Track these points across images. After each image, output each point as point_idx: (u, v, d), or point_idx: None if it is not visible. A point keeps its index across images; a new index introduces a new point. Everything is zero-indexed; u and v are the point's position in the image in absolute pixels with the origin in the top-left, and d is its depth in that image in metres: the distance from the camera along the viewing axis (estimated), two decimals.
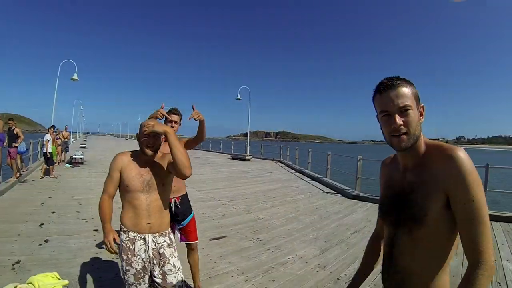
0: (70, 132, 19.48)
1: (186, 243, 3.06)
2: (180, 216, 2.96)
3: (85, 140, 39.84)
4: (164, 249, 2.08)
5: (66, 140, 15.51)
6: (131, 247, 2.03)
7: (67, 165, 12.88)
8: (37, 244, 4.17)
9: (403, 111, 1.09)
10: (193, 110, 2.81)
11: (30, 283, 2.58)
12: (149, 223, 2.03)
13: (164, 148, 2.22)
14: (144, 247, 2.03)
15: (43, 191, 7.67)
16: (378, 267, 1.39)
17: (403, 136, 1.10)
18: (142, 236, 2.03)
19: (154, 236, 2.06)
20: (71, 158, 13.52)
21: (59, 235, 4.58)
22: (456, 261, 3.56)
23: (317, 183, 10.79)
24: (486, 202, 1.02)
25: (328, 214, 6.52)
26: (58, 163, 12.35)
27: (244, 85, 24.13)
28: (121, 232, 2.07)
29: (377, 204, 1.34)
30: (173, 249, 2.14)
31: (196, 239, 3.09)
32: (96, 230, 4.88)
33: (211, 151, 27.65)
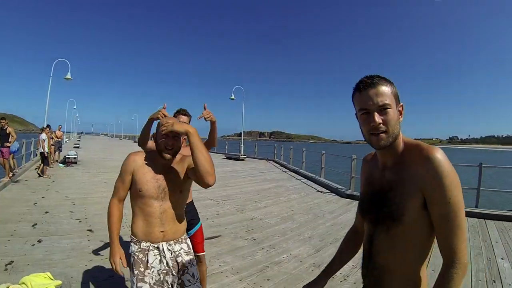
0: (63, 132, 19.36)
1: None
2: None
3: (79, 140, 39.55)
4: (182, 257, 1.89)
5: (59, 140, 15.40)
6: (143, 259, 1.81)
7: (61, 165, 12.78)
8: (30, 244, 4.14)
9: (382, 109, 1.09)
10: (204, 109, 2.56)
11: (23, 283, 2.56)
12: (162, 231, 1.83)
13: (184, 150, 2.05)
14: (159, 257, 1.82)
15: (36, 191, 7.61)
16: (357, 261, 1.39)
17: (382, 134, 1.10)
18: (156, 246, 1.83)
19: (169, 244, 1.86)
20: (65, 158, 13.43)
21: (52, 235, 4.55)
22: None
23: (312, 182, 10.82)
24: (463, 204, 1.04)
25: (322, 213, 6.54)
26: (52, 163, 12.26)
27: (238, 85, 24.10)
28: (132, 244, 1.87)
29: None
30: (191, 257, 1.95)
31: (203, 251, 2.88)
32: (89, 230, 4.86)
33: None
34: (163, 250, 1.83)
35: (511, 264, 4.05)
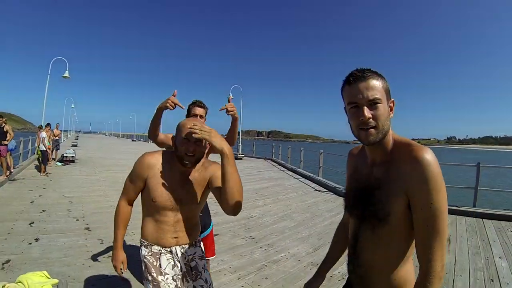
0: (61, 130, 19.30)
1: None
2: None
3: (77, 139, 39.46)
4: (196, 261, 1.78)
5: (57, 138, 15.35)
6: (155, 264, 1.67)
7: (58, 163, 12.73)
8: (27, 243, 4.12)
9: (373, 104, 1.05)
10: (228, 102, 2.30)
11: (20, 282, 2.55)
12: (176, 238, 1.71)
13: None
14: (172, 262, 1.70)
15: (34, 190, 7.57)
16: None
17: (371, 130, 1.06)
18: (169, 249, 1.71)
19: (183, 247, 1.74)
20: (62, 156, 13.39)
21: (49, 233, 4.53)
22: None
23: (309, 181, 10.81)
24: (445, 211, 1.00)
25: (320, 212, 6.54)
26: (49, 161, 12.22)
27: (236, 84, 24.06)
28: (142, 248, 1.74)
29: None
30: (205, 261, 1.84)
31: (214, 255, 2.79)
32: (87, 229, 4.85)
33: None
34: (177, 254, 1.71)
35: (509, 263, 4.05)
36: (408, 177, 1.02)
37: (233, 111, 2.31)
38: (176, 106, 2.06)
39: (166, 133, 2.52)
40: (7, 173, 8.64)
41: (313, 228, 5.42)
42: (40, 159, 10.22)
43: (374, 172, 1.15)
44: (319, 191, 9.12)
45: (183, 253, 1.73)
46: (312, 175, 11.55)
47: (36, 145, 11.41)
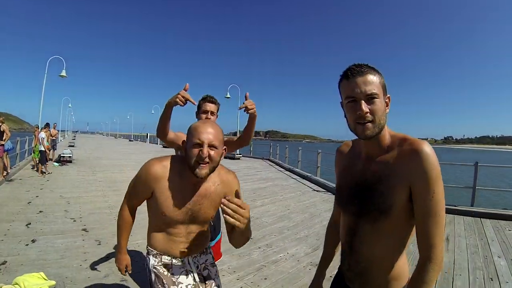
0: (58, 130, 19.22)
1: None
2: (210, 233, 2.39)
3: (74, 139, 39.37)
4: (208, 269, 1.68)
5: (54, 138, 15.29)
6: (167, 274, 1.54)
7: (55, 163, 12.68)
8: (24, 244, 4.08)
9: (370, 98, 1.07)
10: (246, 99, 2.09)
11: (16, 284, 2.52)
12: (188, 248, 1.58)
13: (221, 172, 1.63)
14: (185, 272, 1.58)
15: (31, 190, 7.53)
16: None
17: (368, 124, 1.08)
18: (180, 259, 1.58)
19: (195, 257, 1.64)
20: (60, 156, 13.34)
21: (46, 234, 4.49)
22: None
23: (307, 181, 10.80)
24: (444, 201, 1.06)
25: (318, 212, 6.52)
26: (47, 161, 12.17)
27: (233, 84, 24.01)
28: (150, 257, 1.58)
29: None
30: (216, 268, 1.75)
31: (220, 256, 2.76)
32: (84, 230, 4.81)
33: None
34: (189, 264, 1.60)
35: (507, 262, 4.06)
36: (410, 169, 1.06)
37: (253, 108, 2.12)
38: (187, 102, 1.85)
39: (177, 131, 2.36)
40: (4, 174, 8.58)
41: (311, 228, 5.42)
42: (38, 159, 10.20)
43: (371, 167, 1.17)
44: (317, 191, 9.10)
45: (195, 262, 1.63)
46: (310, 175, 11.54)
47: (33, 145, 11.37)
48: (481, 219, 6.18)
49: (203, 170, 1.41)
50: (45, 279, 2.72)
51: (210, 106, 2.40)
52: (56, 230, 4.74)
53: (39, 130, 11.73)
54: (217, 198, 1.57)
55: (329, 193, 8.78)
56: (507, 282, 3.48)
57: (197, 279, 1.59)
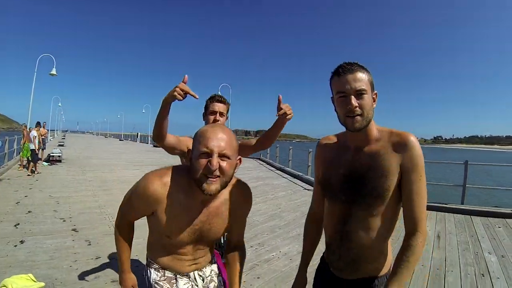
0: (48, 130, 19.01)
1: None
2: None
3: (64, 138, 38.92)
4: (214, 281, 1.53)
5: (43, 137, 15.10)
6: None
7: (45, 163, 12.51)
8: (12, 245, 4.01)
9: (359, 94, 1.17)
10: (280, 102, 1.76)
11: (4, 286, 2.48)
12: (194, 264, 1.44)
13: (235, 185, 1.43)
14: (190, 285, 1.43)
15: (19, 190, 7.41)
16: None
17: (357, 117, 1.17)
18: (186, 274, 1.43)
19: (201, 270, 1.49)
20: (49, 156, 13.17)
21: (35, 235, 4.42)
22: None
23: (298, 180, 10.82)
24: (425, 181, 1.22)
25: None
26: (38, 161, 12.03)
27: (224, 83, 23.91)
28: (151, 270, 1.42)
29: None
30: (221, 278, 1.61)
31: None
32: (74, 230, 4.74)
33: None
34: (195, 279, 1.45)
35: (498, 258, 4.12)
36: (402, 157, 1.19)
37: (291, 114, 1.83)
38: (187, 95, 1.55)
39: (182, 135, 2.10)
40: None
41: (303, 227, 5.34)
42: (27, 158, 10.11)
43: (361, 157, 1.26)
44: (308, 190, 9.09)
45: (200, 276, 1.47)
46: (301, 174, 11.55)
47: (21, 144, 11.23)
48: (471, 216, 6.24)
49: (212, 186, 1.18)
50: (34, 281, 2.68)
51: (219, 106, 2.14)
52: (45, 230, 4.66)
53: (27, 129, 11.60)
54: (227, 214, 1.38)
55: None
56: (498, 278, 3.53)
57: None
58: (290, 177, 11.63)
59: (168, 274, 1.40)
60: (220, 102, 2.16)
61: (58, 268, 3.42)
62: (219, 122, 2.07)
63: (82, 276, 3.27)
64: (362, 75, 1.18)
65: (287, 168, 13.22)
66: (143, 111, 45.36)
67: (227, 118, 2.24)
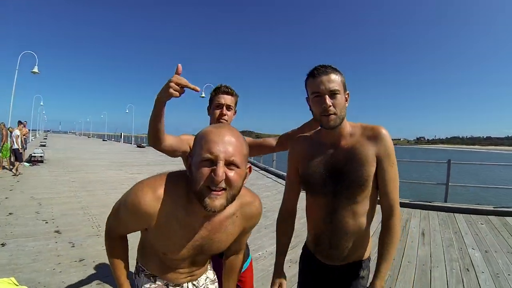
0: (29, 129, 18.58)
1: None
2: None
3: (45, 138, 38.15)
4: None
5: (24, 137, 14.76)
6: None
7: (26, 164, 12.22)
8: None
9: (333, 94, 1.26)
10: None
11: None
12: (191, 276, 1.31)
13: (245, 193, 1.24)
14: None
15: None
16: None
17: (332, 115, 1.27)
18: (178, 284, 1.30)
19: (196, 281, 1.36)
20: (30, 156, 12.87)
21: (17, 237, 4.30)
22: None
23: (282, 180, 10.78)
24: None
25: None
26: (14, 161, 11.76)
27: (208, 83, 23.75)
28: (141, 276, 1.29)
29: None
30: (217, 284, 1.47)
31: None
32: (57, 231, 4.63)
33: None
34: None
35: (482, 253, 4.23)
36: (377, 148, 1.32)
37: None
38: (185, 89, 1.26)
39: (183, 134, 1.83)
40: None
41: None
42: (12, 158, 9.93)
43: (339, 151, 1.36)
44: None
45: (194, 285, 1.34)
46: (285, 174, 11.50)
47: (1, 143, 10.95)
48: (454, 214, 6.38)
49: (216, 201, 0.98)
50: (17, 285, 2.59)
51: (225, 98, 1.86)
52: (27, 232, 4.54)
53: (6, 128, 11.34)
54: (235, 230, 1.22)
55: (304, 191, 8.81)
56: (482, 272, 3.62)
57: None
58: (274, 177, 11.64)
59: (159, 282, 1.27)
60: (227, 93, 1.88)
61: (41, 271, 3.33)
62: (226, 117, 1.85)
63: (66, 279, 3.19)
64: (335, 77, 1.28)
65: (271, 168, 13.23)
66: (127, 111, 44.83)
67: (235, 112, 1.97)
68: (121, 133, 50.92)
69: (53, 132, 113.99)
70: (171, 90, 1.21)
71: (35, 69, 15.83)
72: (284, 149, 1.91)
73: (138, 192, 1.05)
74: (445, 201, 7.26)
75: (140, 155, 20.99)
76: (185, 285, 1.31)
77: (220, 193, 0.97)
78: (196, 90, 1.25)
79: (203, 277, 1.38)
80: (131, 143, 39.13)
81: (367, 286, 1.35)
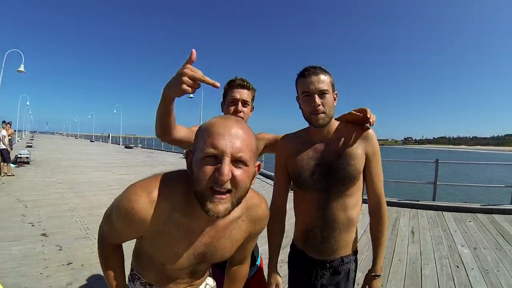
0: (15, 130, 18.25)
1: None
2: None
3: (32, 139, 37.56)
4: None
5: (10, 138, 14.48)
6: None
7: (12, 165, 11.98)
8: None
9: (322, 93, 1.33)
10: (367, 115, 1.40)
11: None
12: (190, 286, 1.19)
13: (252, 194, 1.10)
14: None
15: None
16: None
17: (321, 114, 1.33)
18: None
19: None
20: (16, 157, 12.63)
21: (2, 241, 4.19)
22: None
23: (271, 180, 10.79)
24: None
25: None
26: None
27: None
28: (136, 284, 1.18)
29: None
30: None
31: None
32: (44, 234, 4.53)
33: (163, 150, 27.99)
34: None
35: (471, 250, 4.30)
36: (366, 144, 1.41)
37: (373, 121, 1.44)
38: (201, 84, 1.01)
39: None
40: None
41: None
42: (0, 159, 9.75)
43: (329, 149, 1.42)
44: None
45: None
46: (273, 174, 11.48)
47: None
48: (443, 212, 6.48)
49: (220, 206, 0.85)
50: None
51: (241, 93, 1.67)
52: (13, 236, 4.43)
53: None
54: (241, 236, 1.09)
55: (293, 189, 8.82)
56: (472, 269, 3.68)
57: None
58: (262, 177, 11.59)
59: None
60: (243, 87, 1.68)
61: (28, 275, 3.25)
62: (241, 113, 1.66)
63: (53, 283, 3.12)
64: (324, 77, 1.34)
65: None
66: (115, 112, 44.44)
67: (252, 108, 1.78)
68: (109, 134, 50.56)
69: (39, 132, 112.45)
70: (184, 86, 0.97)
71: (21, 68, 15.57)
72: None
73: (131, 195, 0.93)
74: (433, 200, 7.35)
75: (128, 156, 20.81)
76: None
77: (224, 196, 0.85)
78: (216, 86, 0.99)
79: (203, 285, 1.26)
80: (119, 144, 38.79)
81: (369, 270, 1.49)
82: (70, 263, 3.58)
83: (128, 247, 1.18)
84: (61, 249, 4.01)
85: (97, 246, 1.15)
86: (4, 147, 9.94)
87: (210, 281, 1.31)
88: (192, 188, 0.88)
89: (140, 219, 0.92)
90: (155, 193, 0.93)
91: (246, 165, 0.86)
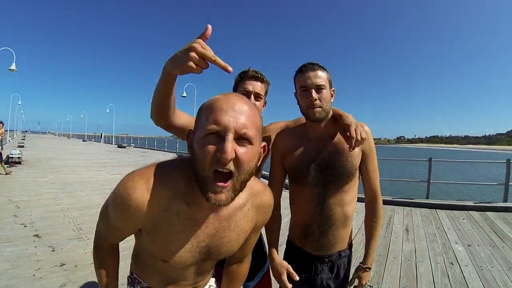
0: (6, 130, 18.04)
1: None
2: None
3: (24, 139, 37.20)
4: None
5: (1, 137, 14.30)
6: None
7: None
8: None
9: (319, 88, 1.36)
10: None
11: None
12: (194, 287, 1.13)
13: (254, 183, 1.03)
14: None
15: None
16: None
17: (318, 109, 1.36)
18: None
19: None
20: (7, 157, 12.48)
21: None
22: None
23: (265, 180, 10.74)
24: None
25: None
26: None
27: (189, 83, 23.65)
28: (137, 287, 1.12)
29: None
30: None
31: None
32: (36, 235, 4.48)
33: (156, 150, 28.05)
34: None
35: (465, 247, 4.34)
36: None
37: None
38: (209, 64, 0.85)
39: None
40: None
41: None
42: None
43: (325, 144, 1.43)
44: None
45: None
46: (267, 173, 11.47)
47: None
48: (436, 210, 6.55)
49: (222, 195, 0.80)
50: None
51: (254, 85, 1.55)
52: (5, 237, 4.37)
53: None
54: (247, 226, 1.02)
55: (287, 190, 8.81)
56: (466, 266, 3.72)
57: None
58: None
59: None
60: (256, 79, 1.57)
61: (21, 277, 3.21)
62: (256, 106, 1.54)
63: (47, 285, 3.08)
64: (321, 73, 1.37)
65: None
66: (107, 111, 44.13)
67: (265, 103, 1.67)
68: (101, 133, 50.30)
69: (31, 132, 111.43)
70: (191, 63, 0.82)
71: (13, 67, 15.38)
72: None
73: (128, 183, 0.85)
74: (427, 198, 7.41)
75: (121, 155, 20.71)
76: None
77: (226, 184, 0.79)
78: (228, 71, 0.84)
79: (207, 286, 1.19)
80: (111, 143, 38.57)
81: (360, 263, 1.53)
82: (63, 264, 3.54)
83: (128, 247, 1.15)
84: (54, 250, 3.97)
85: (91, 246, 1.11)
86: None
87: (212, 281, 1.25)
88: (193, 171, 0.83)
89: (137, 206, 0.84)
90: (153, 180, 0.86)
91: (251, 143, 0.80)
